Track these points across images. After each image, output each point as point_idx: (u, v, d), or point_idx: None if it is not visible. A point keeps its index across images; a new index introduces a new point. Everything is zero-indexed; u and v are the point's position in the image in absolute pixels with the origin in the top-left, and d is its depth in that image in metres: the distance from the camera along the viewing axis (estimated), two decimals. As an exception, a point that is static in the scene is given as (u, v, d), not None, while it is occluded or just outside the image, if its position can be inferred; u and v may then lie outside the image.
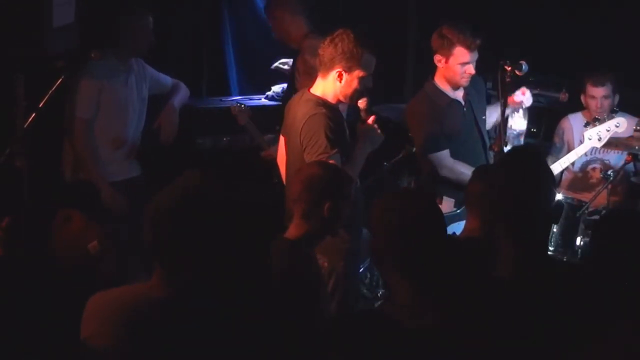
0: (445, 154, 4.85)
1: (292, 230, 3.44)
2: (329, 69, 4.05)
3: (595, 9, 5.87)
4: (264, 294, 2.48)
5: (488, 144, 4.98)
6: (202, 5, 6.32)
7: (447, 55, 4.82)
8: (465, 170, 4.66)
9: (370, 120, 4.11)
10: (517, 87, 5.58)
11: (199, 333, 2.29)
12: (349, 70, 4.01)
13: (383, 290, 5.32)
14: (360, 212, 4.15)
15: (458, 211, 4.69)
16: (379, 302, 5.28)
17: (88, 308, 2.42)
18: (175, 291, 2.34)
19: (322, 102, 4.04)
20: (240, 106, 5.39)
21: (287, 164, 4.19)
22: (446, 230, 2.70)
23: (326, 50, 4.04)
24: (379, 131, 4.12)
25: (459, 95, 4.96)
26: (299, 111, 4.07)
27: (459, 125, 4.93)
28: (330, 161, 3.83)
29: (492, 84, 5.94)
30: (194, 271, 2.34)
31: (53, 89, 4.36)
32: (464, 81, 4.89)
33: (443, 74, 4.91)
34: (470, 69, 4.83)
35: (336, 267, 3.95)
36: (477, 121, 5.01)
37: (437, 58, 4.88)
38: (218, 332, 2.32)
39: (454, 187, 4.77)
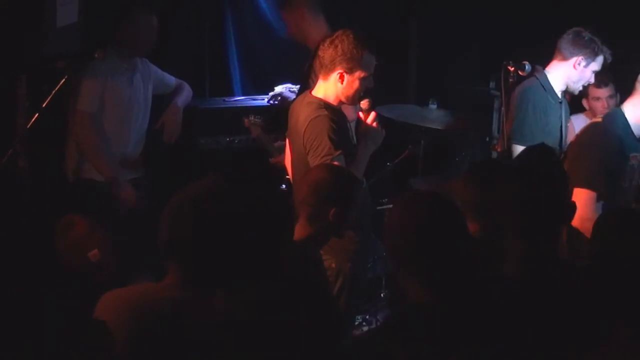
0: None
1: (297, 232, 3.43)
2: (330, 70, 4.04)
3: (594, 9, 5.85)
4: (278, 295, 2.48)
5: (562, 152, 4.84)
6: (205, 5, 6.31)
7: (590, 60, 4.82)
8: None
9: (371, 118, 4.09)
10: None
11: (214, 333, 2.29)
12: (350, 71, 4.00)
13: (386, 291, 5.32)
14: (368, 213, 4.14)
15: None
16: (381, 303, 5.28)
17: (100, 307, 2.41)
18: (190, 291, 2.33)
19: (324, 104, 4.03)
20: (253, 118, 5.36)
21: (292, 167, 4.20)
22: (465, 231, 2.65)
23: (326, 52, 4.03)
24: (379, 128, 4.10)
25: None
26: (301, 114, 4.07)
27: (552, 127, 4.90)
28: (335, 163, 3.82)
29: (495, 85, 5.95)
30: (209, 271, 2.33)
31: (56, 89, 4.36)
32: (579, 89, 4.94)
33: (568, 74, 4.87)
34: (594, 78, 4.89)
35: (343, 268, 3.95)
36: (562, 128, 4.98)
37: (577, 60, 4.83)
38: (232, 332, 2.32)
39: None
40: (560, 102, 4.94)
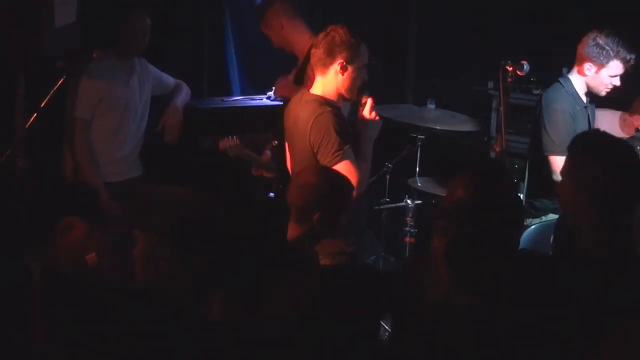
0: None
1: (289, 232, 3.43)
2: (328, 63, 3.99)
3: (594, 9, 5.85)
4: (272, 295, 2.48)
5: None
6: (204, 5, 6.32)
7: (600, 67, 4.73)
8: None
9: (367, 109, 4.03)
10: (519, 87, 5.56)
11: (205, 335, 2.30)
12: (350, 60, 3.97)
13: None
14: (364, 213, 4.12)
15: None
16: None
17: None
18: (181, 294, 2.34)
19: (324, 101, 4.00)
20: (230, 140, 5.24)
21: (295, 166, 4.14)
22: None
23: (322, 46, 3.99)
24: (374, 116, 4.04)
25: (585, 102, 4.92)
26: (301, 113, 4.02)
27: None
28: (344, 160, 3.82)
29: (493, 85, 5.95)
30: (197, 274, 2.34)
31: (54, 89, 4.36)
32: (606, 92, 4.83)
33: (583, 79, 4.81)
34: (618, 81, 4.77)
35: None
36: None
37: (585, 66, 4.76)
38: (224, 333, 2.33)
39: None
40: (586, 107, 4.88)
